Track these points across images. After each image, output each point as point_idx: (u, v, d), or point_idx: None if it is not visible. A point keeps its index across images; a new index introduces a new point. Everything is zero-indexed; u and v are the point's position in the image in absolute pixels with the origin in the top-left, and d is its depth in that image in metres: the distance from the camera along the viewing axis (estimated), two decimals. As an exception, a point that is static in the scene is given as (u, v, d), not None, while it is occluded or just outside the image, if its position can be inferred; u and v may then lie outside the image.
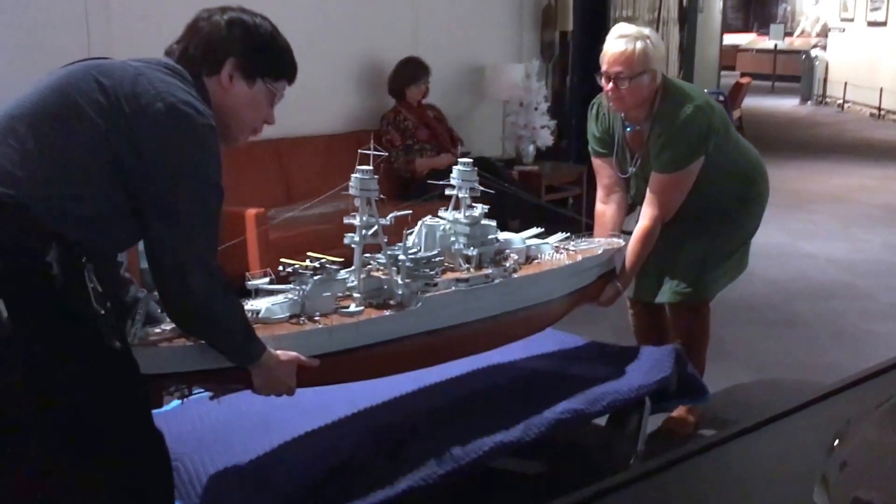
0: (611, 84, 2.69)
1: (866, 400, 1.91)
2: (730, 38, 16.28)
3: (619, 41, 2.69)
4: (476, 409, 2.22)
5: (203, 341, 1.81)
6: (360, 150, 2.09)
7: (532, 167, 5.92)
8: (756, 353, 3.85)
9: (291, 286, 1.99)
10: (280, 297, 1.98)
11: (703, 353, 3.07)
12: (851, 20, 14.02)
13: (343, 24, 5.13)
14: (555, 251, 2.52)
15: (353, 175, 2.07)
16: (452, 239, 2.31)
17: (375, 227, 2.06)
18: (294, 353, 1.89)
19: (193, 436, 2.13)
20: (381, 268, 2.15)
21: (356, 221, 2.08)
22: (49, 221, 1.62)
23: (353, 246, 2.10)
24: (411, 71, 5.12)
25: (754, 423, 1.67)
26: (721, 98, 8.70)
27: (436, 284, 2.15)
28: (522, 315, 2.35)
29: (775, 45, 17.15)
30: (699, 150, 2.75)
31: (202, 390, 1.94)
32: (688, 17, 8.43)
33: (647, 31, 2.75)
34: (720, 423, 3.00)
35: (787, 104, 14.80)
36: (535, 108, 6.01)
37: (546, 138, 6.04)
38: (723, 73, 12.25)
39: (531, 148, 5.99)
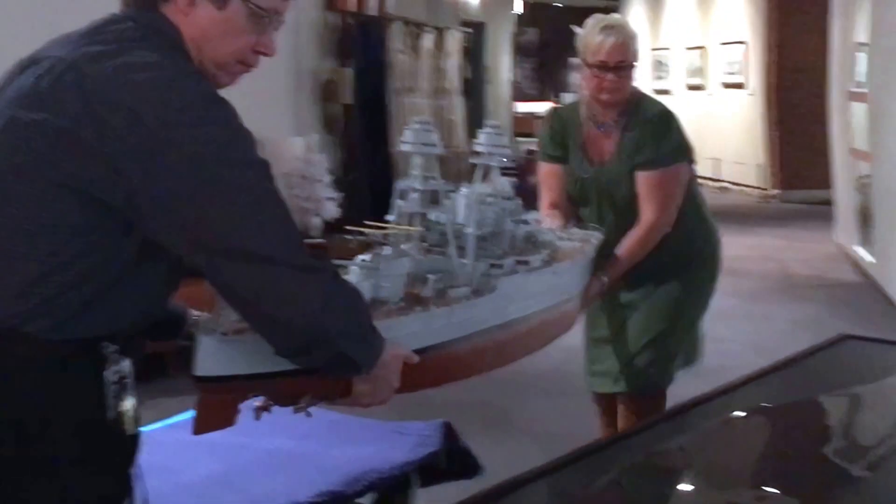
0: (610, 75, 2.78)
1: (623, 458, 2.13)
2: (527, 107, 17.31)
3: (612, 31, 2.81)
4: (219, 495, 2.18)
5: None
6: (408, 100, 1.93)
7: (318, 240, 6.07)
8: (546, 425, 4.02)
9: (355, 263, 1.76)
10: (351, 277, 1.72)
11: None
12: (639, 88, 15.28)
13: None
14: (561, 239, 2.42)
15: (406, 128, 1.87)
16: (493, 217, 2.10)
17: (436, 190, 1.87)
18: (399, 344, 1.63)
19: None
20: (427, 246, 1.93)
21: (414, 184, 1.86)
22: (51, 335, 1.33)
23: (402, 214, 1.88)
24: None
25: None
26: (513, 166, 9.24)
27: (501, 266, 1.94)
28: (562, 308, 2.26)
29: (569, 113, 18.31)
30: (689, 148, 2.90)
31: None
32: (474, 89, 8.97)
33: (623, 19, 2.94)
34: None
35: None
36: (319, 181, 6.19)
37: (332, 210, 6.22)
38: (524, 139, 13.06)
39: (316, 220, 6.17)
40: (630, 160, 2.87)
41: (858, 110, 7.71)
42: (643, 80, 14.87)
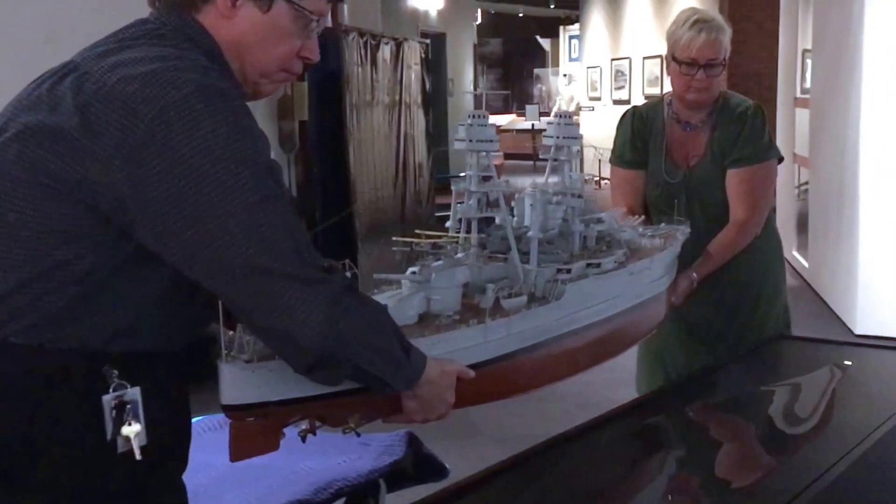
0: (699, 73, 2.72)
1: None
2: (492, 119, 17.44)
3: (704, 27, 2.75)
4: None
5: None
6: (465, 92, 1.84)
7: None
8: (505, 428, 4.15)
9: (408, 275, 1.70)
10: (402, 291, 1.68)
11: None
12: (599, 99, 15.48)
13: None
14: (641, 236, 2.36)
15: (460, 124, 1.81)
16: (562, 217, 2.04)
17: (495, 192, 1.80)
18: (451, 359, 1.58)
19: None
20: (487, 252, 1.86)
21: (469, 186, 1.78)
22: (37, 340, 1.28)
23: (462, 220, 1.80)
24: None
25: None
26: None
27: (569, 270, 1.89)
28: (645, 309, 2.21)
29: (532, 125, 18.54)
30: (776, 146, 2.85)
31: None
32: (436, 101, 9.04)
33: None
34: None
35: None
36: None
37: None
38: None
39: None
40: (722, 159, 2.80)
41: (804, 116, 7.96)
42: (604, 91, 15.13)
